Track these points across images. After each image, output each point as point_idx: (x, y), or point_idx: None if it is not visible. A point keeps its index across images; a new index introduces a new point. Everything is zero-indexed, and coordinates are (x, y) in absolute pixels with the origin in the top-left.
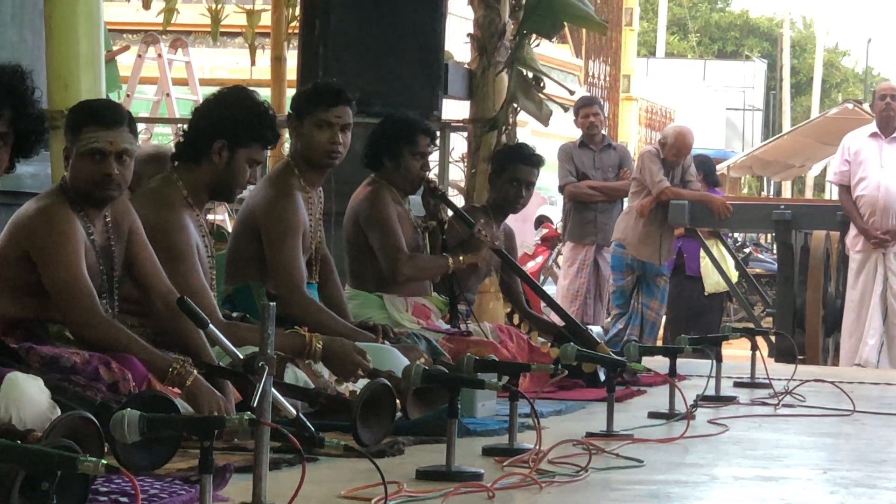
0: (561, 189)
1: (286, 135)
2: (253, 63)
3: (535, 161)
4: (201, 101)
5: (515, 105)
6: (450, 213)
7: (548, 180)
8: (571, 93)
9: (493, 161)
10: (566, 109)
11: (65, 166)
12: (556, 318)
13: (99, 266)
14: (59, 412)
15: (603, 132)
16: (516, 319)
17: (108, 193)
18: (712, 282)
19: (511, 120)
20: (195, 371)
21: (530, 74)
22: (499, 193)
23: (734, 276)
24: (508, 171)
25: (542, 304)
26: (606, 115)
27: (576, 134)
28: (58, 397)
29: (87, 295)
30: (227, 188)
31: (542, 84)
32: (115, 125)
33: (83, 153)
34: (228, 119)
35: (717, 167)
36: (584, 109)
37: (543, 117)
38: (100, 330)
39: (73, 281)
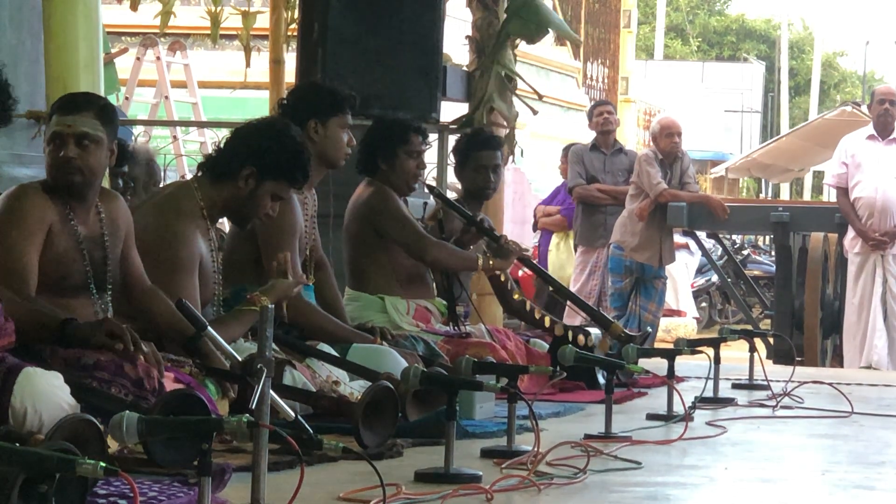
0: (570, 191)
1: None
2: (248, 65)
3: (494, 144)
4: (200, 104)
5: (492, 106)
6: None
7: (547, 182)
8: (540, 97)
9: (454, 154)
10: (535, 112)
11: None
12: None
13: (82, 256)
14: (78, 409)
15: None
16: (537, 314)
17: (69, 178)
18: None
19: (487, 119)
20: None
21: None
22: (469, 184)
23: (565, 277)
24: (472, 159)
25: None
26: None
27: (576, 136)
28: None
29: (19, 273)
30: (244, 215)
31: (513, 84)
32: (76, 111)
33: (47, 141)
34: (264, 149)
35: (715, 169)
36: (600, 108)
37: (511, 119)
38: (14, 307)
39: (8, 258)
